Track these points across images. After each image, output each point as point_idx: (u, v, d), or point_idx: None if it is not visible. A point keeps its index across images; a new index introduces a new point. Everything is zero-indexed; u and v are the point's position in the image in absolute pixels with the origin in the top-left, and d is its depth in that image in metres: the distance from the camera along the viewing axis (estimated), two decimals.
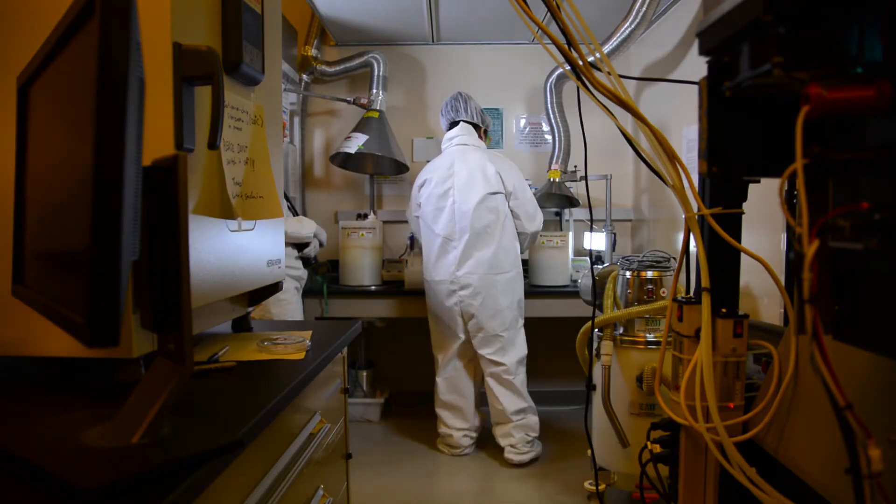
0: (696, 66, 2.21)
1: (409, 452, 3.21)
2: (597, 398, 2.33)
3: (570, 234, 3.64)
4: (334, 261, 3.63)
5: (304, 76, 3.77)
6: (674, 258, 2.40)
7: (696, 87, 0.88)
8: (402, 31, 3.69)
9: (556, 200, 3.62)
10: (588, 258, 3.14)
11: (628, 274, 2.37)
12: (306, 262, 2.96)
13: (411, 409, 3.78)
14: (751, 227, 1.00)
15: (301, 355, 1.40)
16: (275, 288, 1.62)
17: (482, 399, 3.19)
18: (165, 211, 0.77)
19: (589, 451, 2.37)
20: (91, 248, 0.63)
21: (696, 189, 0.94)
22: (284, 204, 2.49)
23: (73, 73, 0.73)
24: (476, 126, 3.18)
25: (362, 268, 3.44)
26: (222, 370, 1.27)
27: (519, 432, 3.01)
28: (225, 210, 1.26)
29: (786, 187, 0.79)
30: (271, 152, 1.50)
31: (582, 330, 2.51)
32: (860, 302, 0.71)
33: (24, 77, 0.94)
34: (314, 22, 3.68)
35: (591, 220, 2.48)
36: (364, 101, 3.66)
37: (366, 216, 3.54)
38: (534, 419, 3.06)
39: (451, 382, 3.13)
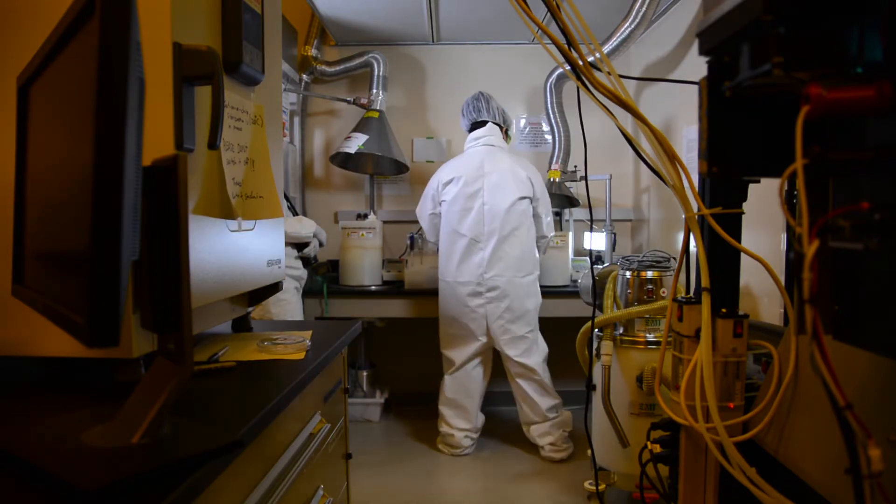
0: (696, 66, 2.21)
1: (409, 452, 3.21)
2: (597, 398, 2.33)
3: (570, 234, 3.64)
4: (334, 261, 3.63)
5: (304, 76, 3.77)
6: (674, 258, 2.40)
7: (696, 87, 0.87)
8: (402, 31, 3.69)
9: (556, 200, 3.61)
10: (588, 258, 3.15)
11: (628, 274, 2.37)
12: (306, 261, 2.96)
13: (411, 409, 3.78)
14: (751, 227, 1.00)
15: (301, 355, 1.40)
16: (275, 288, 1.62)
17: (486, 401, 3.20)
18: (165, 211, 0.77)
19: (589, 451, 2.37)
20: (91, 248, 0.63)
21: (696, 189, 0.94)
22: (284, 204, 2.49)
23: (73, 74, 0.73)
24: (499, 126, 3.19)
25: (362, 268, 3.43)
26: (222, 370, 1.27)
27: (557, 430, 3.05)
28: (225, 210, 1.26)
29: (786, 187, 0.79)
30: (271, 152, 1.50)
31: (582, 330, 2.51)
32: (860, 302, 0.71)
33: (24, 77, 0.94)
34: (314, 22, 3.68)
35: (591, 220, 2.47)
36: (364, 101, 3.66)
37: (366, 216, 3.54)
38: (567, 414, 3.10)
39: (461, 382, 3.12)
